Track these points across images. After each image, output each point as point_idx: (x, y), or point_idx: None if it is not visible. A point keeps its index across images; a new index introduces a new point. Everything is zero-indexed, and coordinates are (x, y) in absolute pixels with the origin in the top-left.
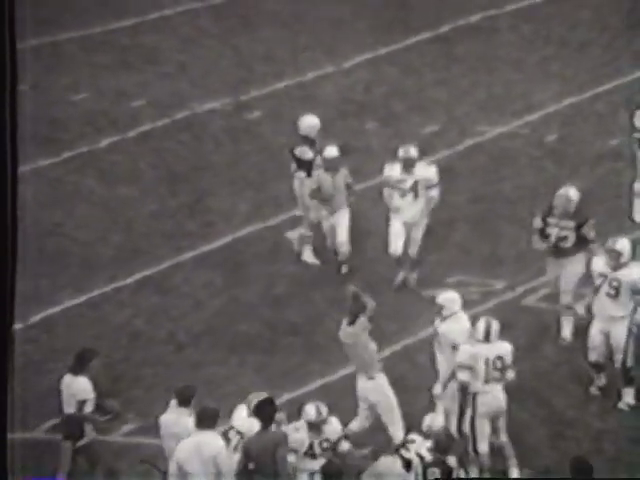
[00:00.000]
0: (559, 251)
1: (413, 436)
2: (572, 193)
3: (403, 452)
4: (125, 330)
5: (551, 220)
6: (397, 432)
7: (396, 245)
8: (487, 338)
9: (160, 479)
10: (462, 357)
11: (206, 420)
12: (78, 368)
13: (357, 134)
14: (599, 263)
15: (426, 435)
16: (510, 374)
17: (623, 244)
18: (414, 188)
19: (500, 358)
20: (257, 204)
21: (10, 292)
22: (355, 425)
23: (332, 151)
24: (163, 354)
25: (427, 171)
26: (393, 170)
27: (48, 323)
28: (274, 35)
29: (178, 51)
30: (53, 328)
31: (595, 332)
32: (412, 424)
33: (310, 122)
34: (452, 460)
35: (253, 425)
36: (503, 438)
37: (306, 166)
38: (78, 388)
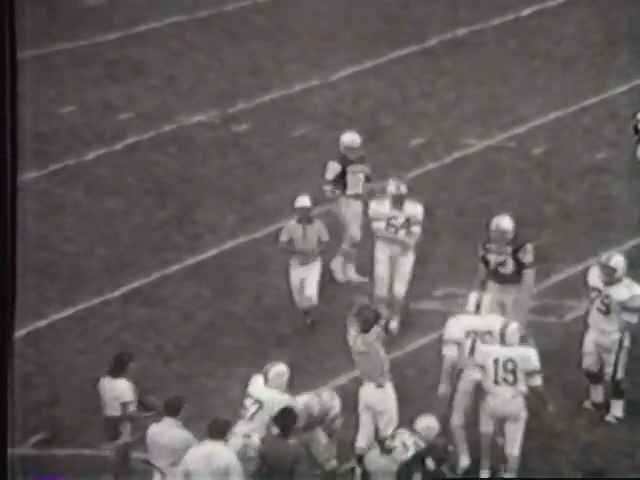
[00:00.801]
0: (500, 277)
1: (401, 429)
2: (505, 223)
3: (388, 442)
4: (113, 343)
5: (490, 246)
6: None
7: (383, 289)
8: (502, 339)
9: (160, 479)
10: (477, 356)
11: (217, 431)
12: (117, 371)
13: None
14: (594, 277)
15: (417, 434)
16: (532, 380)
17: (617, 260)
18: (406, 225)
19: (511, 360)
20: (244, 216)
21: (10, 303)
22: (363, 441)
23: (303, 201)
24: (151, 367)
25: (415, 208)
26: (382, 206)
27: (35, 337)
28: (261, 48)
29: (165, 64)
30: (40, 342)
31: (588, 341)
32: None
33: (342, 138)
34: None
35: (272, 394)
36: (512, 451)
37: (341, 183)
38: (119, 390)
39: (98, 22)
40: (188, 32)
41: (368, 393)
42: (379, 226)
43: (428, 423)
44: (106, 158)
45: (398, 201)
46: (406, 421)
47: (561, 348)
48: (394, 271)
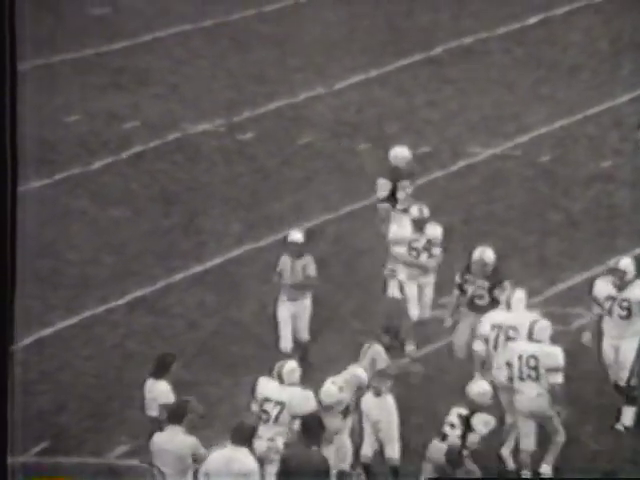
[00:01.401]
0: (476, 307)
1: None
2: (487, 256)
3: (442, 430)
4: (118, 351)
5: (468, 277)
6: (392, 452)
7: (414, 311)
8: (529, 336)
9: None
10: (505, 353)
11: (241, 436)
12: (158, 373)
13: (349, 155)
14: (602, 287)
15: (471, 403)
16: (553, 378)
17: (626, 263)
18: (427, 247)
19: (534, 357)
20: (250, 224)
21: (9, 312)
22: (368, 450)
23: (295, 235)
24: None
25: (436, 230)
26: (404, 228)
27: (40, 345)
28: (266, 56)
29: (170, 73)
30: (45, 349)
31: (607, 347)
32: (407, 445)
33: (397, 153)
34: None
35: (292, 392)
36: (558, 439)
37: (388, 198)
38: (158, 391)
39: (104, 31)
40: (193, 41)
41: (367, 401)
42: (400, 251)
43: (481, 388)
44: (112, 166)
45: (421, 224)
46: (412, 429)
47: (567, 356)
48: (419, 292)
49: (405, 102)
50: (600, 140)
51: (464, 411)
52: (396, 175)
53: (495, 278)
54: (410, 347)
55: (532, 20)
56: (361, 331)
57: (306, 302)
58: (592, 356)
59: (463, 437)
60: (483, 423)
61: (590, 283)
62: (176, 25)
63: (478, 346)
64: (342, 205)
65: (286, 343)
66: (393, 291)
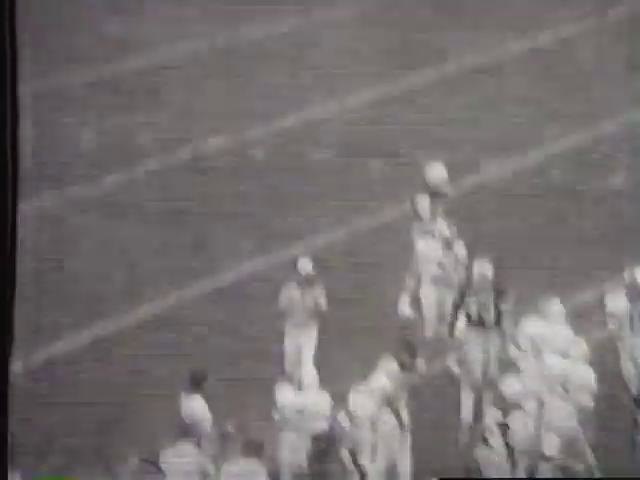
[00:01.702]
0: (480, 322)
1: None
2: (486, 268)
3: (484, 436)
4: (128, 367)
5: (469, 299)
6: (404, 467)
7: (429, 330)
8: (563, 354)
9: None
10: (538, 366)
11: (252, 449)
12: (192, 389)
13: (361, 172)
14: (618, 303)
15: (503, 402)
16: (582, 398)
17: None
18: (454, 266)
19: (564, 375)
20: (261, 241)
21: (8, 329)
22: (380, 465)
23: (305, 265)
24: (167, 391)
25: (460, 247)
26: (433, 247)
27: (51, 361)
28: (278, 74)
29: (183, 89)
30: (56, 366)
31: (626, 361)
32: (418, 461)
33: (437, 172)
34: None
35: (312, 397)
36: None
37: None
38: (191, 408)
39: (117, 48)
40: (206, 58)
41: (380, 414)
42: (430, 268)
43: (514, 386)
44: (124, 183)
45: (449, 242)
46: (421, 444)
47: None
48: (441, 311)
49: (417, 119)
50: (612, 156)
51: (498, 413)
52: (433, 193)
53: (498, 290)
54: (421, 364)
55: (545, 36)
56: (372, 347)
57: (313, 333)
58: (605, 373)
59: (504, 436)
60: (518, 422)
61: (601, 300)
62: (189, 42)
63: (512, 353)
64: (353, 222)
65: (290, 369)
66: (404, 307)
